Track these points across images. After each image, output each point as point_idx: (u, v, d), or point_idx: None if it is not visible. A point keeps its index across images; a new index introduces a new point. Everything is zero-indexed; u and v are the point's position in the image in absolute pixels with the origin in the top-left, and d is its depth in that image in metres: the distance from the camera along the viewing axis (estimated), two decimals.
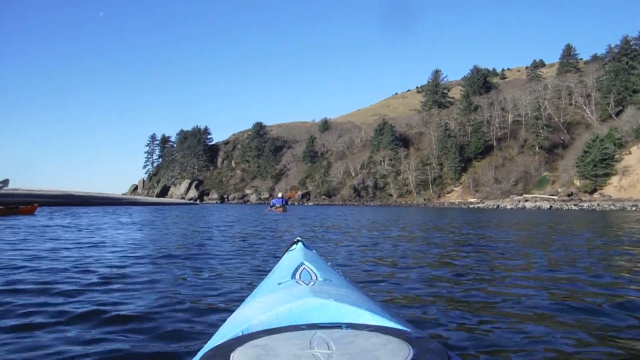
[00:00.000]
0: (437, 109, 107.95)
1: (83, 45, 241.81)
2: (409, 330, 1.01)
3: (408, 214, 28.40)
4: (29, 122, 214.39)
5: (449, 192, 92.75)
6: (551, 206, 58.66)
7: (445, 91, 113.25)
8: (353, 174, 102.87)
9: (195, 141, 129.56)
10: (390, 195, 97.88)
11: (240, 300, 1.70)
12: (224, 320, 1.34)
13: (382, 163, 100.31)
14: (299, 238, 2.15)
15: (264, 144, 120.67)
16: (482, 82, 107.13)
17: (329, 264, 1.87)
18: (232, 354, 0.83)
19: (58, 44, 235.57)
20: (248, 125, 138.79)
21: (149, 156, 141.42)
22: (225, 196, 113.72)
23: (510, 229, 13.67)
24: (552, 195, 68.65)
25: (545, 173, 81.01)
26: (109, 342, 2.45)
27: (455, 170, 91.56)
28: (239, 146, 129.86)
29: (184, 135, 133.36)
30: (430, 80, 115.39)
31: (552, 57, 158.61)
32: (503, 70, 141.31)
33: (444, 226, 13.75)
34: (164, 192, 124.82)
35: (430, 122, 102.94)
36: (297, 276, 1.49)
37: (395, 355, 0.79)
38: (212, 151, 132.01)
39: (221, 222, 15.19)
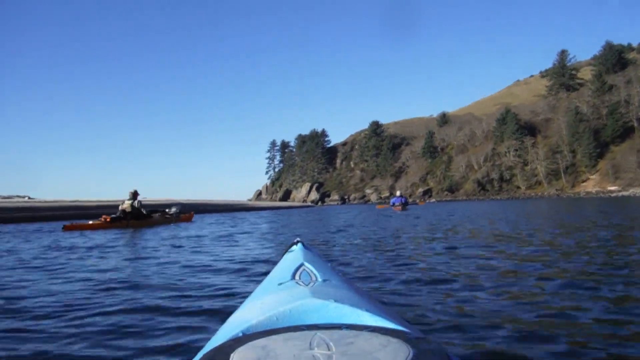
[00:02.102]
0: (565, 93, 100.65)
1: (207, 60, 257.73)
2: (408, 330, 1.00)
3: (557, 207, 26.07)
4: (162, 137, 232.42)
5: (584, 181, 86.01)
6: None
7: (573, 72, 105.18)
8: (476, 168, 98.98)
9: (314, 144, 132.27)
10: (518, 187, 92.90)
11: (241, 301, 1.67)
12: (224, 321, 1.32)
13: (507, 154, 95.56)
14: (298, 239, 2.11)
15: (381, 143, 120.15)
16: (616, 58, 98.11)
17: (329, 264, 1.86)
18: (232, 355, 0.83)
19: (178, 67, 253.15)
20: (365, 124, 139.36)
21: (271, 162, 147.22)
22: (345, 197, 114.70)
23: None
24: None
25: None
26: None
27: (590, 156, 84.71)
28: (356, 146, 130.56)
29: (302, 140, 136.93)
30: (555, 63, 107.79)
31: None
32: None
33: None
34: (286, 196, 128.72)
35: (559, 106, 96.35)
36: (297, 277, 1.49)
37: (395, 355, 0.79)
38: (331, 153, 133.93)
39: (333, 227, 13.83)
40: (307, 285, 1.33)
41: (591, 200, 44.78)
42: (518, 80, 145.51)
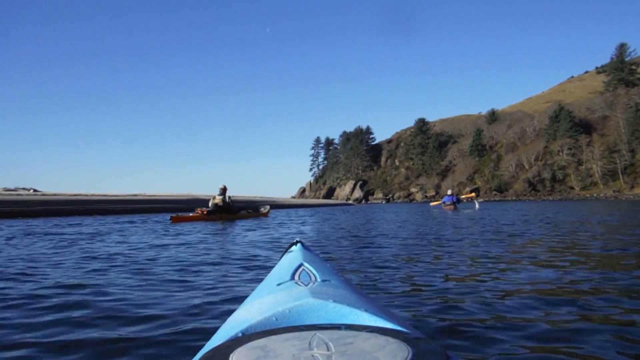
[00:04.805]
0: (624, 88, 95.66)
1: (254, 60, 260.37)
2: (407, 331, 1.00)
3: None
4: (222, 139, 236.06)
5: None
6: None
7: (633, 67, 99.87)
8: (527, 167, 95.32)
9: (358, 142, 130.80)
10: (572, 188, 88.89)
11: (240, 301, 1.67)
12: (223, 321, 1.32)
13: (560, 153, 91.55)
14: (298, 239, 2.06)
15: (427, 141, 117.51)
16: None
17: (329, 265, 1.84)
18: (231, 355, 0.83)
19: (220, 66, 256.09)
20: (410, 122, 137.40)
21: (315, 159, 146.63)
22: (390, 195, 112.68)
23: None
24: None
25: None
26: None
27: None
28: (402, 144, 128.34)
29: (347, 137, 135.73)
30: (614, 57, 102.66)
31: None
32: None
33: None
34: (329, 193, 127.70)
35: (617, 103, 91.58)
36: (296, 277, 1.48)
37: (394, 355, 0.79)
38: (375, 151, 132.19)
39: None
40: (306, 285, 1.31)
41: None
42: (572, 77, 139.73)
